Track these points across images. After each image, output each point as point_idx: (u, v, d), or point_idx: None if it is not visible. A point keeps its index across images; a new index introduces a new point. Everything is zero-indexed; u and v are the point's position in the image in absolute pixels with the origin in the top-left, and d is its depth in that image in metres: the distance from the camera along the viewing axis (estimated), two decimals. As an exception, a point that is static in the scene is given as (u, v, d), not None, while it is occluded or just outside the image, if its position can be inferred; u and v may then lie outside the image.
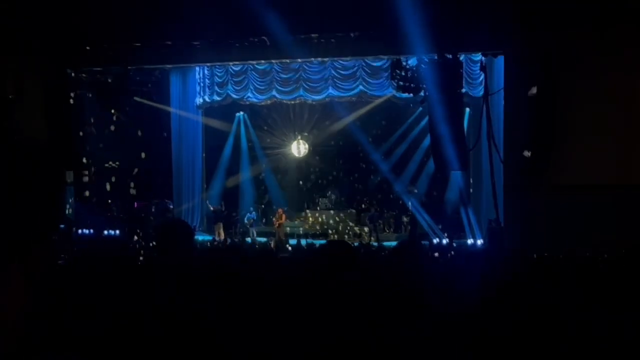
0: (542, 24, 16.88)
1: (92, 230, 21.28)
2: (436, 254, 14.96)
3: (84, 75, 21.40)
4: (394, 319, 4.55)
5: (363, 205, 25.77)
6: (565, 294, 6.97)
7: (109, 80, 21.35)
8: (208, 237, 22.71)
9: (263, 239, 22.63)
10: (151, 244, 15.07)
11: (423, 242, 20.19)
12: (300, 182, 27.15)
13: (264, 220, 26.03)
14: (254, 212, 24.66)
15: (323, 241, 18.48)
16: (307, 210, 25.94)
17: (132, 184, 24.26)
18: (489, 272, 9.90)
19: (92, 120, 22.20)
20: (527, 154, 17.40)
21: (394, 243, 19.65)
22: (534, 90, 17.22)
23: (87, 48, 19.76)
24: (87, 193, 21.65)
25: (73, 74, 20.65)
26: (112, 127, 23.18)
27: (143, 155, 24.22)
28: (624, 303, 5.91)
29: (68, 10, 18.15)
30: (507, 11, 16.96)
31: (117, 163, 23.84)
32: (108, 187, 23.38)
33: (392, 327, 4.47)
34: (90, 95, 21.64)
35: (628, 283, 7.01)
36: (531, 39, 17.25)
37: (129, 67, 21.30)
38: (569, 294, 6.92)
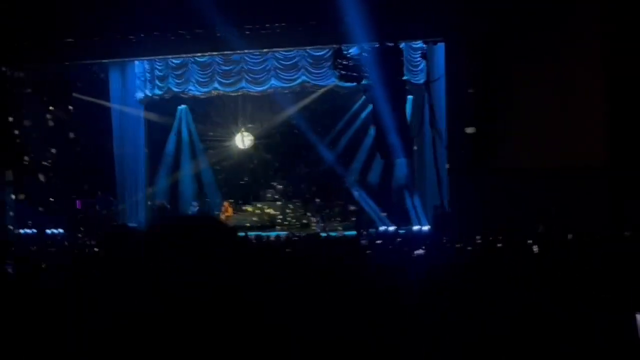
0: (481, 10, 17.09)
1: (34, 230, 20.90)
2: (379, 241, 15.11)
3: (20, 72, 20.92)
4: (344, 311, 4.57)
5: (309, 196, 25.79)
6: (511, 277, 7.10)
7: (46, 77, 20.93)
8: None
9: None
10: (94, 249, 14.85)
11: (370, 230, 20.36)
12: (246, 174, 27.02)
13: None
14: (196, 207, 24.48)
15: (272, 233, 18.53)
16: (254, 202, 25.84)
17: (79, 180, 23.84)
18: (435, 256, 10.04)
19: (30, 118, 21.72)
20: (470, 130, 17.63)
21: (341, 233, 19.79)
22: (471, 90, 17.53)
23: (22, 44, 19.32)
24: (27, 192, 21.24)
25: (9, 72, 20.16)
26: (52, 125, 22.71)
27: (86, 151, 23.82)
28: (566, 284, 6.05)
29: (2, 6, 17.72)
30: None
31: (58, 161, 23.36)
32: (46, 184, 22.90)
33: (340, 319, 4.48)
34: (28, 92, 21.17)
35: (575, 267, 7.18)
36: (470, 26, 17.47)
37: (66, 63, 20.92)
38: (514, 277, 7.05)
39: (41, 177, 21.27)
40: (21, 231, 20.72)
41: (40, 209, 21.62)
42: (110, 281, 5.14)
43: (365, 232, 16.58)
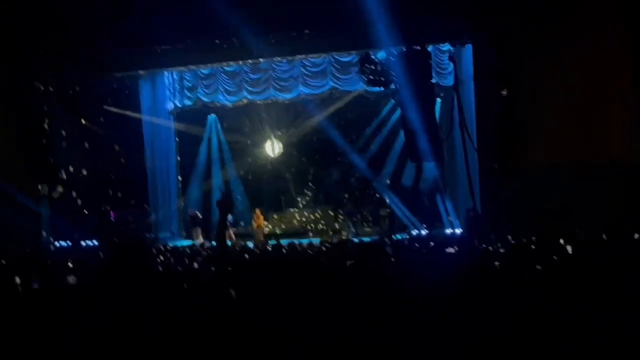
0: (507, 10, 16.99)
1: (69, 242, 21.12)
2: (416, 245, 15.03)
3: (52, 86, 21.20)
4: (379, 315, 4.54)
5: (340, 202, 25.74)
6: (545, 278, 7.01)
7: (77, 90, 21.17)
8: (187, 243, 22.54)
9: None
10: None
11: (402, 235, 20.30)
12: (276, 182, 27.06)
13: (242, 223, 25.87)
14: (229, 216, 24.52)
15: (304, 240, 18.52)
16: (285, 210, 25.87)
17: (113, 192, 24.11)
18: (469, 259, 9.95)
19: (63, 131, 22.00)
20: (504, 92, 17.53)
21: (371, 238, 19.73)
22: (504, 92, 17.38)
23: (53, 58, 19.57)
24: (61, 204, 21.48)
25: (40, 86, 20.43)
26: (84, 137, 23.00)
27: (118, 163, 24.09)
28: (606, 286, 5.95)
29: (32, 20, 17.95)
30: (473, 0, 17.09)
31: (91, 173, 23.64)
32: (82, 197, 23.16)
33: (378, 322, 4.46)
34: (60, 105, 21.44)
35: (611, 267, 7.07)
36: (497, 26, 17.38)
37: (97, 75, 21.16)
38: (547, 279, 6.96)
39: (59, 190, 21.47)
40: (56, 243, 20.94)
41: (75, 221, 21.86)
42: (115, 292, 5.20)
43: (387, 239, 16.47)
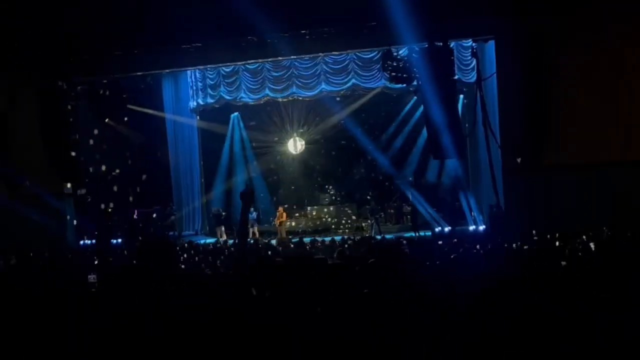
0: (530, 6, 16.86)
1: (94, 240, 21.28)
2: (440, 242, 15.01)
3: (76, 86, 21.38)
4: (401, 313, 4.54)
5: (363, 199, 25.73)
6: (570, 276, 6.97)
7: (101, 90, 21.33)
8: (211, 240, 22.63)
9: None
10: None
11: (425, 232, 20.25)
12: (299, 179, 27.08)
13: (271, 219, 25.86)
14: (253, 212, 24.58)
15: (327, 238, 18.53)
16: (308, 207, 25.89)
17: (132, 191, 24.29)
18: (494, 255, 9.91)
19: (87, 131, 22.19)
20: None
21: (394, 235, 19.70)
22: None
23: (77, 58, 19.72)
24: (86, 203, 21.68)
25: (65, 86, 20.59)
26: (108, 136, 23.18)
27: (142, 161, 24.29)
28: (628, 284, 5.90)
29: (57, 22, 18.10)
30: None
31: (115, 171, 23.83)
32: (105, 195, 23.35)
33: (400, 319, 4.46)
34: (84, 105, 21.62)
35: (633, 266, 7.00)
36: (521, 22, 17.24)
37: (120, 75, 21.30)
38: (573, 276, 6.92)
39: (84, 189, 21.66)
40: (81, 242, 21.13)
41: (99, 219, 22.04)
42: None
43: (402, 239, 16.43)
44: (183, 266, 11.88)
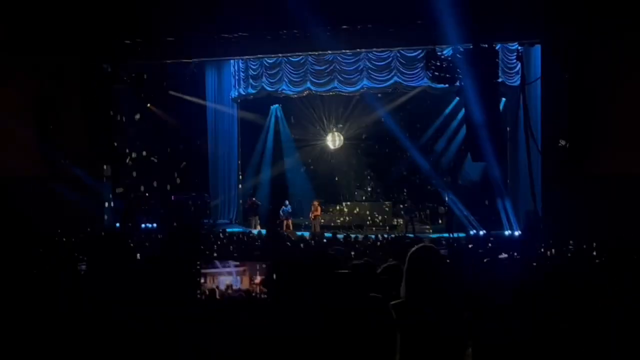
0: (579, 13, 16.61)
1: (130, 224, 21.49)
2: (470, 246, 14.90)
3: (121, 69, 21.58)
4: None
5: (399, 197, 25.66)
6: (604, 284, 6.88)
7: (145, 75, 21.50)
8: (243, 230, 22.76)
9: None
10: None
11: (459, 234, 20.12)
12: (336, 174, 27.10)
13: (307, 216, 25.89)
14: (289, 205, 24.66)
15: (358, 235, 18.47)
16: (343, 202, 25.89)
17: (174, 176, 24.51)
18: (527, 263, 9.81)
19: (129, 115, 22.41)
20: (562, 142, 17.18)
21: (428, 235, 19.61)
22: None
23: (123, 42, 19.90)
24: (124, 187, 21.90)
25: (110, 69, 20.80)
26: (149, 121, 23.39)
27: (181, 148, 24.50)
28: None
29: (104, 5, 18.28)
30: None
31: (154, 156, 24.05)
32: (145, 180, 23.59)
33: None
34: (127, 89, 21.82)
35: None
36: (568, 28, 17.00)
37: (165, 61, 21.46)
38: (607, 284, 6.83)
39: (123, 173, 21.86)
40: (117, 225, 21.34)
41: (136, 204, 22.27)
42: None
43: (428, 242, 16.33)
44: (215, 254, 11.94)
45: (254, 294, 6.43)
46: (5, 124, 18.65)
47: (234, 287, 7.64)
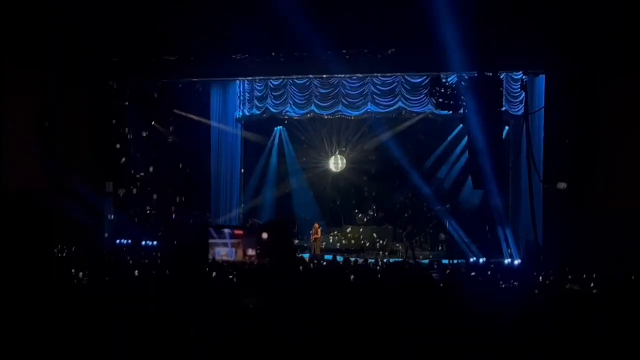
0: (584, 45, 16.68)
1: (130, 241, 21.49)
2: (472, 273, 14.86)
3: (127, 87, 21.68)
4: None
5: (400, 222, 25.60)
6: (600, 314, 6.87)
7: (150, 93, 21.59)
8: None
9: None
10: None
11: (459, 260, 20.07)
12: (337, 197, 27.07)
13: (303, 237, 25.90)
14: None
15: (358, 259, 18.46)
16: (344, 225, 25.85)
17: (176, 195, 24.51)
18: (527, 290, 9.82)
19: (133, 132, 22.47)
20: (561, 185, 17.24)
21: (428, 261, 19.56)
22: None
23: (130, 60, 20.01)
24: (125, 203, 21.92)
25: (115, 86, 20.90)
26: (153, 139, 23.44)
27: (184, 166, 24.53)
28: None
29: (112, 24, 18.39)
30: (549, 31, 16.79)
31: (157, 174, 24.08)
32: (146, 197, 23.60)
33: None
34: (132, 106, 21.89)
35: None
36: (573, 60, 17.08)
37: (171, 80, 21.55)
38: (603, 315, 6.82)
39: (124, 189, 21.91)
40: (117, 241, 21.35)
41: (137, 220, 22.27)
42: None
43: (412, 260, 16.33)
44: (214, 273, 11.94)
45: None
46: (10, 136, 18.69)
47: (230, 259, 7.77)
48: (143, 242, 21.74)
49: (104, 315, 4.97)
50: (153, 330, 4.83)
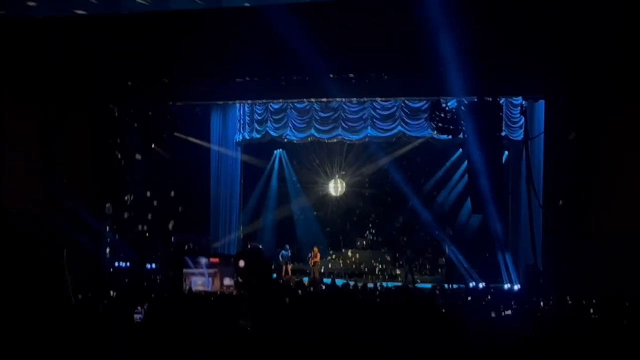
0: (583, 70, 16.74)
1: (128, 264, 21.43)
2: (469, 298, 14.84)
3: (127, 110, 21.74)
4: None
5: (399, 246, 25.57)
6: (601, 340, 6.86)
7: (151, 116, 21.65)
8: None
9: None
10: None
11: (459, 285, 20.02)
12: (337, 221, 27.05)
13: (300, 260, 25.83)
14: (288, 250, 24.58)
15: (359, 282, 18.44)
16: (343, 249, 25.83)
17: (176, 217, 24.50)
18: (527, 315, 9.81)
19: (133, 155, 22.50)
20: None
21: (429, 285, 19.53)
22: (573, 134, 17.11)
23: (130, 84, 20.08)
24: (124, 225, 21.90)
25: (116, 109, 20.97)
26: (153, 161, 23.46)
27: (184, 189, 24.52)
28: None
29: (113, 48, 18.47)
30: (549, 56, 16.86)
31: (156, 196, 24.07)
32: (145, 220, 23.57)
33: None
34: (132, 129, 21.94)
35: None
36: (572, 84, 17.13)
37: (171, 103, 21.61)
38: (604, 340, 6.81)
39: (124, 211, 21.94)
40: (116, 264, 21.30)
41: (136, 243, 22.23)
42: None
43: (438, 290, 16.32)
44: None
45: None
46: (11, 157, 18.70)
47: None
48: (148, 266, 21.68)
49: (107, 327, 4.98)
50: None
